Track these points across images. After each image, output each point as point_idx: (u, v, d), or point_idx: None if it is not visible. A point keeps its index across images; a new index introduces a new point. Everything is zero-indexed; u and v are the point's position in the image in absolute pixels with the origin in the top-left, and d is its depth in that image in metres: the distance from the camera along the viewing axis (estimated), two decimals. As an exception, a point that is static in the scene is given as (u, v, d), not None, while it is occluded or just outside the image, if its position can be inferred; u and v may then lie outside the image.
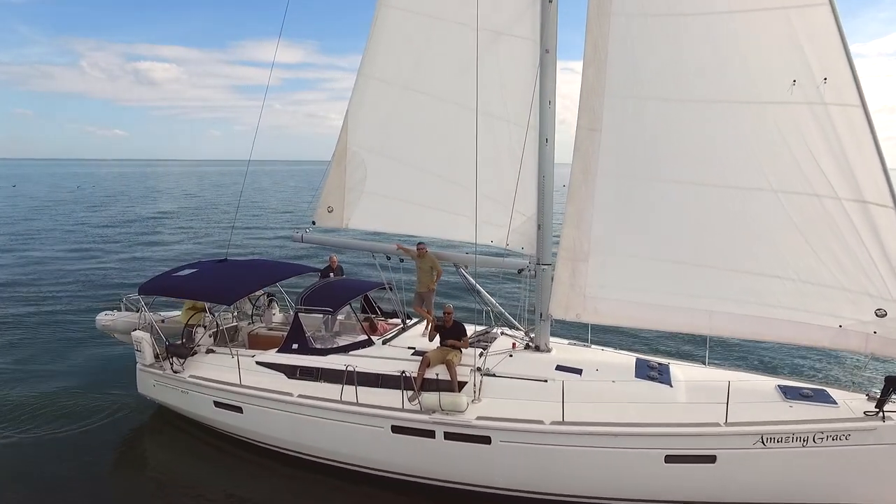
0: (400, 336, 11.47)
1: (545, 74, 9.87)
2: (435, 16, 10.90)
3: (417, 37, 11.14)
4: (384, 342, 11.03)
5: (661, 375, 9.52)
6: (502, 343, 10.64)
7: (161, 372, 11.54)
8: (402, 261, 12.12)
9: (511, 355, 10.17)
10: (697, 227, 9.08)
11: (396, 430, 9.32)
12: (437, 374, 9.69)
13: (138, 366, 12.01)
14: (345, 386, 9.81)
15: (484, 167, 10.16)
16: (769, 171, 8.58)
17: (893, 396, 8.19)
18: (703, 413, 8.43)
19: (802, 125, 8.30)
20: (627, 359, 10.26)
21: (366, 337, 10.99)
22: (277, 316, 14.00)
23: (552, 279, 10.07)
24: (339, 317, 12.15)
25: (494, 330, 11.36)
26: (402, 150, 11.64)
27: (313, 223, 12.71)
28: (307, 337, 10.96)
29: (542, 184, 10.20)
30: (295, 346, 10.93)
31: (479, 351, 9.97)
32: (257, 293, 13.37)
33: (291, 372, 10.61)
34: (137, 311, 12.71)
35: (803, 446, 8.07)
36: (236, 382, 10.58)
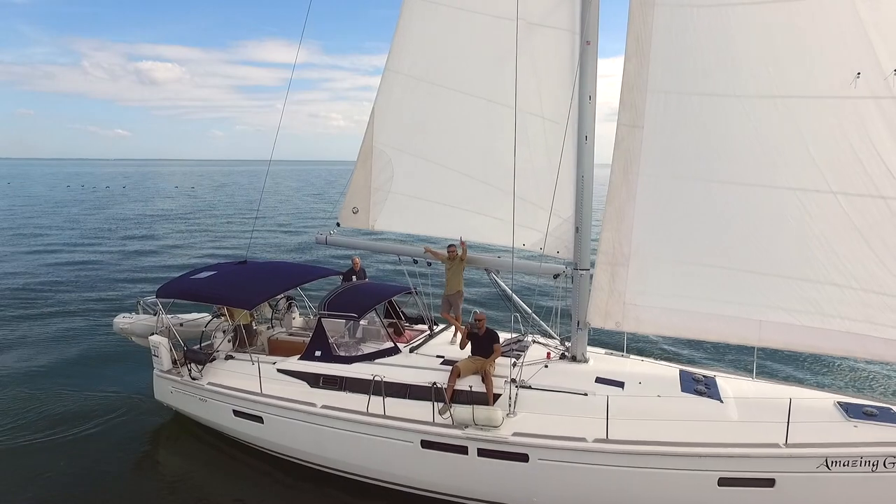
0: (427, 343, 10.95)
1: (585, 68, 9.30)
2: (465, 7, 10.37)
3: (446, 30, 10.62)
4: (411, 350, 10.51)
5: (708, 389, 8.92)
6: (536, 352, 10.09)
7: (179, 378, 11.11)
8: (429, 264, 11.61)
9: (546, 366, 9.62)
10: (747, 230, 8.49)
11: (426, 444, 8.79)
12: (470, 386, 9.14)
13: (155, 371, 11.60)
14: (371, 397, 9.30)
15: (517, 166, 9.62)
16: (827, 171, 7.97)
17: None
18: (760, 432, 7.81)
19: (867, 121, 7.69)
20: (670, 370, 9.67)
21: (392, 344, 10.48)
22: (297, 320, 13.56)
23: (590, 285, 9.51)
24: (362, 322, 11.67)
25: (527, 338, 10.80)
26: (431, 149, 11.12)
27: (338, 224, 12.25)
28: (331, 344, 10.47)
29: (580, 184, 9.63)
30: (318, 353, 10.44)
31: (512, 361, 9.44)
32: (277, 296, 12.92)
33: (314, 381, 10.13)
34: (155, 315, 12.31)
35: (872, 471, 7.42)
36: (257, 391, 10.12)
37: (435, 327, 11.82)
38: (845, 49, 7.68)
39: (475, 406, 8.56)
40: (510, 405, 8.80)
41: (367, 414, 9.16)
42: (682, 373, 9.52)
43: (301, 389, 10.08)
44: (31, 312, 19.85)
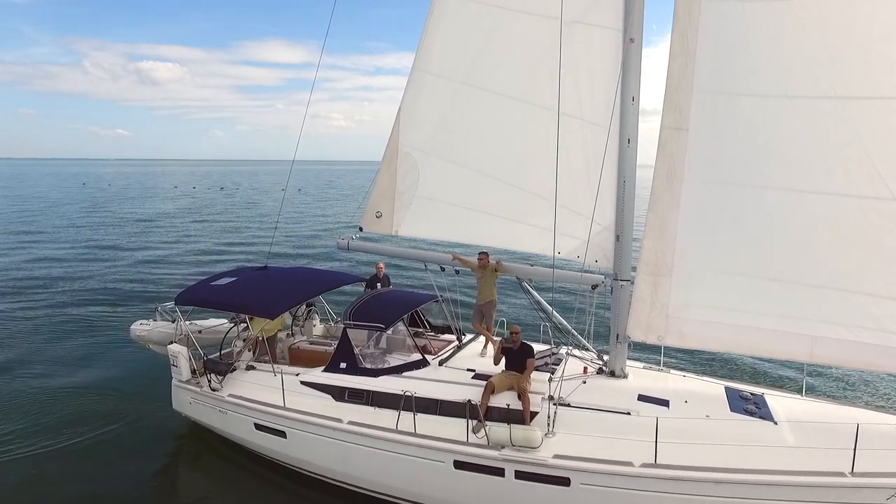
0: (456, 355, 10.47)
1: (628, 67, 8.80)
2: (499, 4, 9.90)
3: (479, 27, 10.14)
4: (440, 363, 10.03)
5: (759, 409, 8.40)
6: (571, 367, 9.59)
7: (198, 389, 10.71)
8: (457, 272, 11.15)
9: (584, 382, 9.14)
10: (801, 239, 7.96)
11: (459, 465, 8.32)
12: (508, 404, 8.65)
13: (174, 381, 11.22)
14: (401, 412, 8.85)
15: (552, 170, 9.16)
16: (890, 178, 7.44)
17: None
18: (821, 459, 7.28)
19: (935, 124, 7.16)
20: (715, 387, 9.15)
21: (420, 356, 10.02)
22: (318, 328, 13.14)
23: (630, 297, 9.01)
24: (388, 332, 11.23)
25: (561, 351, 10.30)
26: (460, 152, 10.65)
27: (360, 229, 11.82)
28: (356, 355, 10.03)
29: (622, 190, 9.13)
30: (343, 364, 10.00)
31: (548, 376, 8.95)
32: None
33: (340, 394, 9.70)
34: (173, 322, 11.93)
35: (949, 503, 6.90)
36: (280, 405, 9.70)
37: (463, 337, 11.36)
38: (913, 46, 7.16)
39: (512, 425, 8.09)
40: (549, 424, 8.31)
41: (397, 431, 8.71)
42: (728, 390, 9.01)
43: (326, 403, 9.66)
44: (46, 314, 19.60)
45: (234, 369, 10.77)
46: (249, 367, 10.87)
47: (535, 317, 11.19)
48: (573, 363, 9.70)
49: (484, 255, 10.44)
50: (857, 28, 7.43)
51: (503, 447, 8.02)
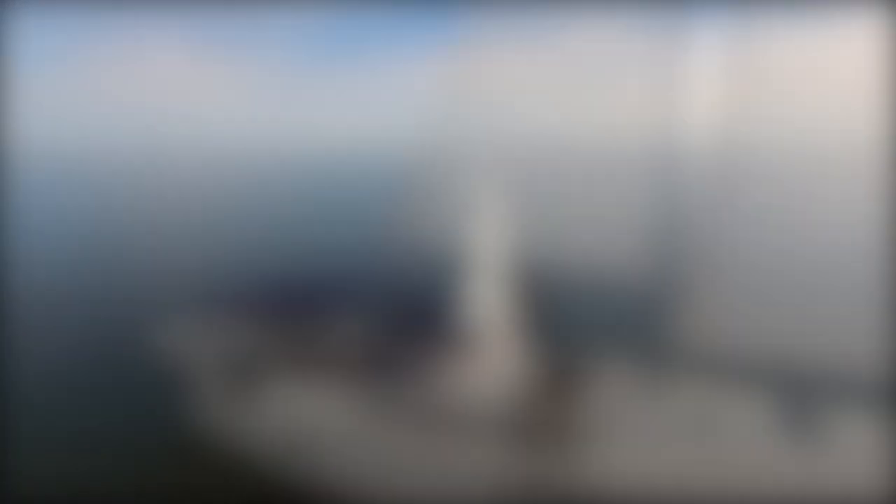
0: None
1: None
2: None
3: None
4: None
5: None
6: None
7: (230, 400, 11.17)
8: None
9: None
10: None
11: None
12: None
13: (202, 391, 11.67)
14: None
15: None
16: None
17: None
18: None
19: None
20: None
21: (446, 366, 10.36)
22: (353, 340, 13.48)
23: None
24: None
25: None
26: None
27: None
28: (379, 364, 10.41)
29: None
30: (367, 374, 10.41)
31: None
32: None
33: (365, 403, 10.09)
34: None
35: None
36: (310, 415, 10.13)
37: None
38: None
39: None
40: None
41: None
42: None
43: (351, 415, 10.06)
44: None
45: (268, 380, 11.19)
46: (283, 378, 11.29)
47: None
48: None
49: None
50: None
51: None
